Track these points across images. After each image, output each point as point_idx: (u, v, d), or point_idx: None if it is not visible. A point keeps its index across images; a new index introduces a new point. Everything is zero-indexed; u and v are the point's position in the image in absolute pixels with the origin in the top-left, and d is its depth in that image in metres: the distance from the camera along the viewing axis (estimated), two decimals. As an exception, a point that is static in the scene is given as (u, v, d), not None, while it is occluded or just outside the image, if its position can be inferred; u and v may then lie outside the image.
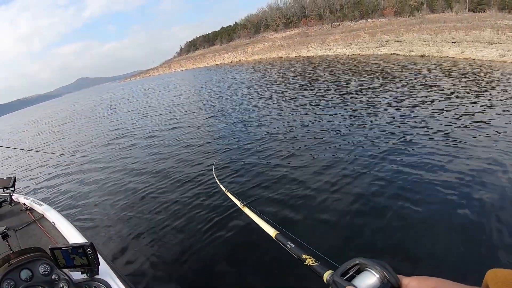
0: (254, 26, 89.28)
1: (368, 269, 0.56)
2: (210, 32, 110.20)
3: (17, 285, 1.79)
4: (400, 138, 6.16)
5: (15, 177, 4.30)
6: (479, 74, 13.05)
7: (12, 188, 4.22)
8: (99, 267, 1.91)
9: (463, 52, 17.77)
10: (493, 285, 0.39)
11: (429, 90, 10.61)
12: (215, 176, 3.61)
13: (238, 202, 1.92)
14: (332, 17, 69.53)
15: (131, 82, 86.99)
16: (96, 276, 1.93)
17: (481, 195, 4.03)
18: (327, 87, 12.93)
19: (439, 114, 7.76)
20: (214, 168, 4.75)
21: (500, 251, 3.04)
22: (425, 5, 50.44)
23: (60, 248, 1.82)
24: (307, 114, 9.25)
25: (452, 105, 8.47)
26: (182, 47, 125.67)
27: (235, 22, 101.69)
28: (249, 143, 7.02)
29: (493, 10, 38.03)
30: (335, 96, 11.12)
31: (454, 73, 13.45)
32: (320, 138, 6.76)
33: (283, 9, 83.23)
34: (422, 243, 3.21)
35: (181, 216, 4.46)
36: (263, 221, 1.48)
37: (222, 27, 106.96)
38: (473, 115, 7.48)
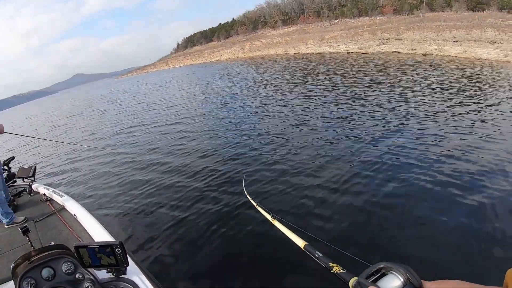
0: (252, 23, 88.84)
1: (392, 272, 0.57)
2: (207, 29, 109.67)
3: (38, 284, 1.67)
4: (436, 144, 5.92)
5: (35, 167, 4.23)
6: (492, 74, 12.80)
7: (32, 178, 4.15)
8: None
9: (465, 51, 17.62)
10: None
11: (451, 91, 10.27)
12: (244, 190, 3.51)
13: (268, 216, 1.94)
14: (330, 14, 69.27)
15: (128, 78, 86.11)
16: (123, 276, 1.82)
17: (496, 197, 3.99)
18: (360, 92, 11.71)
19: (460, 115, 7.55)
20: (244, 181, 4.48)
21: None
22: (424, 4, 50.33)
23: (86, 247, 1.70)
24: (338, 120, 8.30)
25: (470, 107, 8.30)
26: (180, 43, 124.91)
27: (233, 19, 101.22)
28: (276, 154, 6.43)
29: (492, 10, 37.98)
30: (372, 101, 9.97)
31: (471, 73, 13.14)
32: (352, 146, 6.29)
33: (281, 6, 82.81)
34: (444, 249, 3.21)
35: (208, 222, 4.28)
36: (292, 233, 1.53)
37: (220, 23, 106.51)
38: (485, 117, 7.30)
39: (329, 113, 9.11)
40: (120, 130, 12.44)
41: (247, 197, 3.06)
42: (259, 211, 2.21)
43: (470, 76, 12.76)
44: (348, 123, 7.87)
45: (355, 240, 3.43)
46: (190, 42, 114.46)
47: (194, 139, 8.67)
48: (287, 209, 4.18)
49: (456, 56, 17.79)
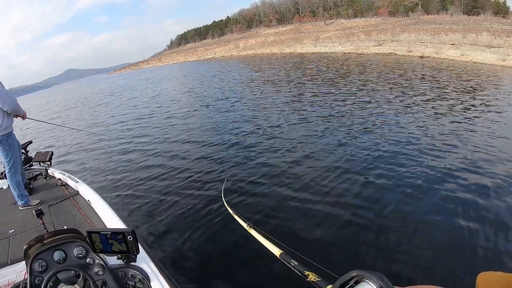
0: (247, 21, 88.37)
1: (365, 280, 0.58)
2: (201, 26, 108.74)
3: (49, 266, 1.68)
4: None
5: (52, 152, 4.35)
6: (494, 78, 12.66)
7: (49, 163, 4.24)
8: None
9: (463, 55, 17.39)
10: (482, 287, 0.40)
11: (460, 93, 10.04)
12: (223, 198, 3.40)
13: (244, 224, 1.93)
14: (326, 14, 69.17)
15: (121, 74, 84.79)
16: (133, 263, 1.81)
17: (478, 202, 4.00)
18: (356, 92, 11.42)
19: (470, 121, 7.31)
20: (223, 187, 4.34)
21: (492, 255, 3.09)
22: (419, 6, 50.44)
23: (98, 232, 1.70)
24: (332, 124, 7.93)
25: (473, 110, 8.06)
26: (173, 40, 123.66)
27: (227, 17, 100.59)
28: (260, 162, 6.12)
29: (487, 14, 38.15)
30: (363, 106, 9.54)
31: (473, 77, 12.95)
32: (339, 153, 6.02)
33: (277, 5, 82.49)
34: (418, 252, 3.21)
35: (184, 225, 4.13)
36: (268, 241, 1.54)
37: (214, 21, 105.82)
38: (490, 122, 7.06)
39: (322, 120, 8.48)
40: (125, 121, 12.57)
41: (224, 204, 3.06)
42: (235, 219, 2.18)
43: (471, 79, 12.63)
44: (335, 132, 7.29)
45: (330, 248, 3.41)
46: (184, 39, 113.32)
47: (180, 139, 8.42)
48: (263, 218, 4.09)
49: (453, 59, 17.55)
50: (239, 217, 2.13)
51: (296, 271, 1.16)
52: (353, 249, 3.37)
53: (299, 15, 74.97)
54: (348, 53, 28.31)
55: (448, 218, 3.72)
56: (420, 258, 3.11)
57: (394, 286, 0.54)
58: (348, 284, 0.59)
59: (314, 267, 1.16)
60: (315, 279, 1.02)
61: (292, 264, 1.22)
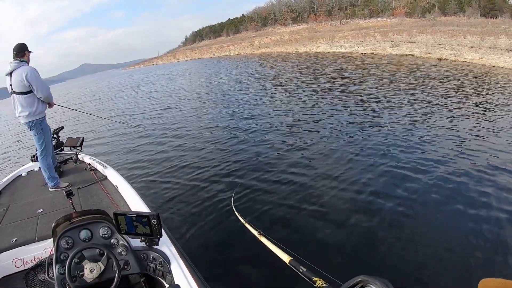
0: (262, 19, 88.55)
1: (370, 285, 0.57)
2: (216, 23, 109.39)
3: (75, 244, 1.78)
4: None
5: (83, 138, 4.43)
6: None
7: (79, 148, 4.35)
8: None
9: (481, 58, 17.62)
10: None
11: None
12: (233, 206, 3.49)
13: (255, 232, 2.01)
14: (341, 14, 69.01)
15: (136, 70, 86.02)
16: (155, 247, 1.91)
17: (482, 206, 4.08)
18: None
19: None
20: (234, 195, 4.40)
21: (496, 261, 3.15)
22: (436, 7, 50.08)
23: (124, 214, 1.80)
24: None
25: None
26: (188, 37, 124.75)
27: (242, 14, 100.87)
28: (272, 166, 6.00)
29: (505, 17, 37.82)
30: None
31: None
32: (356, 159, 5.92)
33: (292, 4, 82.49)
34: (422, 259, 3.27)
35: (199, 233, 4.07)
36: (278, 248, 1.64)
37: (229, 18, 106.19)
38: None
39: (340, 126, 8.13)
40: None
41: (235, 213, 3.03)
42: (246, 227, 2.27)
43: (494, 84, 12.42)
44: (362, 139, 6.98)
45: (338, 254, 3.42)
46: (199, 36, 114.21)
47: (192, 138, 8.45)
48: (273, 226, 4.04)
49: (472, 62, 17.80)
50: (250, 225, 2.21)
51: (305, 278, 1.21)
52: (360, 255, 3.40)
53: (315, 14, 74.93)
54: (365, 53, 28.67)
55: (454, 225, 3.75)
56: (424, 265, 3.16)
57: None
58: None
59: (322, 273, 1.24)
60: (322, 285, 1.07)
61: (300, 270, 1.28)
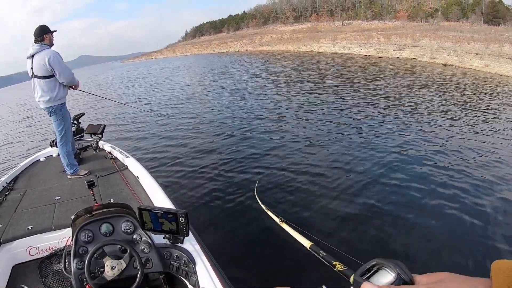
0: (263, 17, 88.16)
1: (384, 267, 0.59)
2: (217, 19, 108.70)
3: (95, 237, 1.69)
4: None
5: (105, 125, 4.32)
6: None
7: (100, 135, 4.24)
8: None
9: (487, 66, 17.45)
10: (495, 275, 0.41)
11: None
12: (256, 195, 3.56)
13: (276, 219, 2.06)
14: (343, 14, 68.84)
15: (135, 63, 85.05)
16: (179, 245, 1.81)
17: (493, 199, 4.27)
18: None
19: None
20: (257, 186, 4.32)
21: (507, 245, 3.32)
22: (440, 12, 50.05)
23: (149, 210, 1.68)
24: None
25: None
26: (188, 31, 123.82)
27: (244, 11, 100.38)
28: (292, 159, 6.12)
29: (508, 25, 37.83)
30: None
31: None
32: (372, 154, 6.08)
33: (294, 2, 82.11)
34: (437, 242, 3.46)
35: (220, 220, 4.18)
36: (299, 234, 1.68)
37: (230, 15, 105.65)
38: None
39: (357, 123, 8.27)
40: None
41: (257, 201, 3.12)
42: (268, 214, 2.32)
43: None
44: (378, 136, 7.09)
45: (355, 240, 3.58)
46: (199, 31, 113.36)
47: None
48: (294, 213, 4.18)
49: (478, 70, 17.60)
50: (272, 212, 2.27)
51: (325, 262, 1.25)
52: (378, 240, 3.54)
53: (317, 14, 74.70)
54: (369, 55, 28.42)
55: (467, 210, 3.97)
56: (438, 248, 3.32)
57: (412, 274, 0.57)
58: (370, 271, 0.63)
59: (342, 256, 1.32)
60: (341, 268, 1.10)
61: (321, 255, 1.31)
